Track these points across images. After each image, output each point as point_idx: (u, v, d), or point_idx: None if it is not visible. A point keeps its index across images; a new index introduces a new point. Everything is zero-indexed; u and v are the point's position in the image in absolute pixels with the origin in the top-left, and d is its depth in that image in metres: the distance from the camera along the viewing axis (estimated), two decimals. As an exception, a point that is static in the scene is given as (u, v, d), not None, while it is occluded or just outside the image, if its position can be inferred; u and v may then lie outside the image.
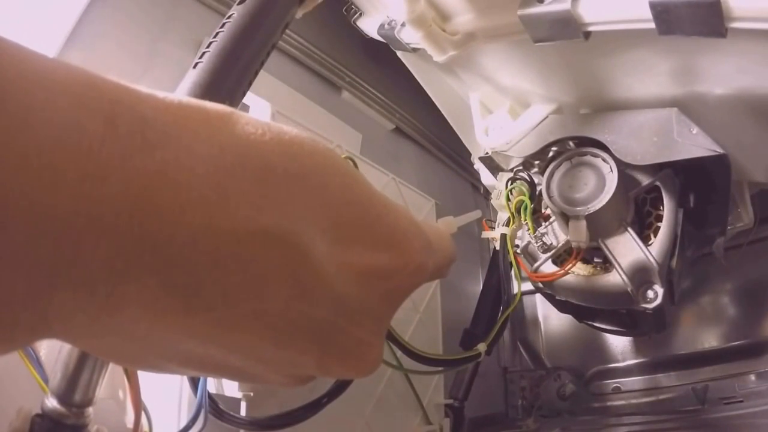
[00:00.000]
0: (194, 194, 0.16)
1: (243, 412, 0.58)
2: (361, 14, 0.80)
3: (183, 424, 0.54)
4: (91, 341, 0.18)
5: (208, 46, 0.39)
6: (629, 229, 0.64)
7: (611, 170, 0.63)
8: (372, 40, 0.77)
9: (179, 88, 0.39)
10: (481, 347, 0.57)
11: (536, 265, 0.69)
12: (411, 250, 0.23)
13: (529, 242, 0.69)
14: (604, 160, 0.64)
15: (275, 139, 0.19)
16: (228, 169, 0.17)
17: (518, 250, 0.71)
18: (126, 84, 0.17)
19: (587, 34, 0.53)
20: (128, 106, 0.16)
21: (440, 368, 0.66)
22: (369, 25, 0.77)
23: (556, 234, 0.70)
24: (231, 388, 0.59)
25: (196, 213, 0.16)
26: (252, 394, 0.58)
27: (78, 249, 0.15)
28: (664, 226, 0.64)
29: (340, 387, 0.55)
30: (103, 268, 0.15)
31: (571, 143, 0.69)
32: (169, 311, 0.17)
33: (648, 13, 0.47)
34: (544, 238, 0.68)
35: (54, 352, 0.45)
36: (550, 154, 0.70)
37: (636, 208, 0.67)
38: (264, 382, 0.23)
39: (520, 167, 0.72)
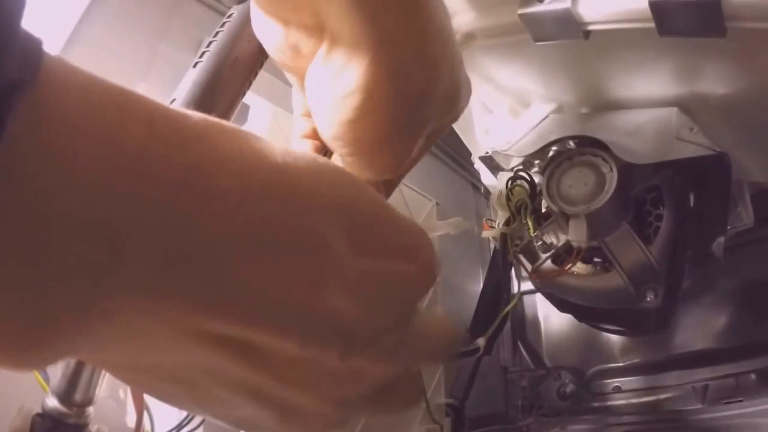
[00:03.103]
0: (224, 189, 0.18)
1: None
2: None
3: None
4: (118, 353, 0.19)
5: (208, 46, 0.39)
6: (629, 228, 0.64)
7: (611, 170, 0.63)
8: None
9: (179, 88, 0.39)
10: (480, 342, 0.57)
11: (536, 264, 0.69)
12: (425, 256, 0.24)
13: (530, 242, 0.69)
14: (604, 159, 0.64)
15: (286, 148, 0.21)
16: (251, 166, 0.19)
17: (518, 250, 0.71)
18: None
19: (587, 34, 0.53)
20: (163, 110, 0.17)
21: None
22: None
23: (556, 233, 0.70)
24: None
25: (226, 208, 0.17)
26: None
27: (122, 250, 0.16)
28: (664, 226, 0.64)
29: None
30: (144, 269, 0.16)
31: (571, 143, 0.69)
32: (198, 306, 0.17)
33: (648, 13, 0.47)
34: (544, 238, 0.68)
35: (54, 352, 0.45)
36: (551, 153, 0.70)
37: (636, 208, 0.67)
38: (300, 416, 0.22)
39: (521, 167, 0.72)
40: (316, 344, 0.20)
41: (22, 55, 0.14)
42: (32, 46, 0.14)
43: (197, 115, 0.19)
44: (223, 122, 0.19)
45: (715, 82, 0.58)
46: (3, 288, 0.14)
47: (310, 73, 0.26)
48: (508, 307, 0.62)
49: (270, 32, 0.27)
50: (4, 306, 0.14)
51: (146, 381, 0.21)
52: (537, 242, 0.68)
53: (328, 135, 0.27)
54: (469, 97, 0.30)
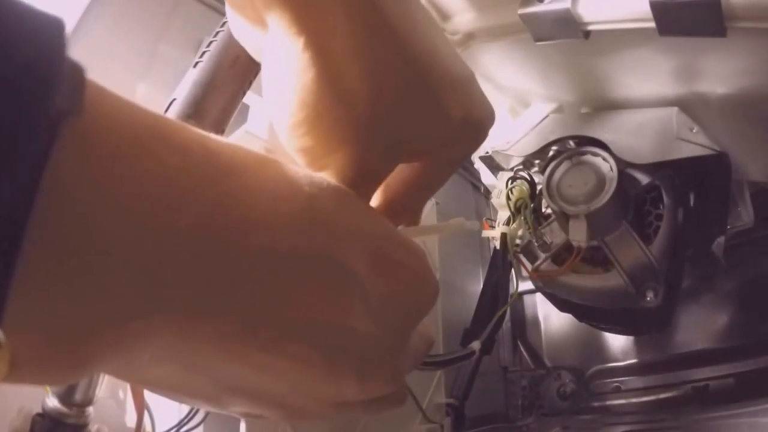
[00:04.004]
0: (258, 217, 0.18)
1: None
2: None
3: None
4: (150, 370, 0.19)
5: (208, 46, 0.39)
6: (629, 228, 0.64)
7: (611, 169, 0.63)
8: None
9: (179, 88, 0.39)
10: (475, 345, 0.57)
11: (536, 264, 0.69)
12: (431, 276, 0.25)
13: (530, 241, 0.69)
14: (604, 159, 0.64)
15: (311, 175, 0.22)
16: (282, 198, 0.19)
17: (518, 249, 0.71)
18: (186, 124, 0.18)
19: (587, 34, 0.53)
20: (199, 140, 0.18)
21: (435, 368, 0.67)
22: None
23: (556, 233, 0.70)
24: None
25: (260, 236, 0.18)
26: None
27: (160, 275, 0.16)
28: (664, 226, 0.64)
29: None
30: (180, 294, 0.17)
31: (571, 142, 0.69)
32: (231, 334, 0.18)
33: (648, 13, 0.47)
34: (544, 237, 0.68)
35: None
36: (551, 153, 0.70)
37: (636, 208, 0.67)
38: (304, 415, 0.23)
39: (521, 166, 0.72)
40: (339, 363, 0.21)
41: (70, 85, 0.14)
42: (78, 74, 0.14)
43: (232, 145, 0.19)
44: (255, 153, 0.20)
45: (715, 82, 0.58)
46: (49, 310, 0.14)
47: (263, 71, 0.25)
48: (504, 308, 0.62)
49: (243, 34, 0.27)
50: (48, 327, 0.15)
51: (166, 392, 0.22)
52: (537, 242, 0.68)
53: (280, 134, 0.25)
54: (489, 121, 0.28)
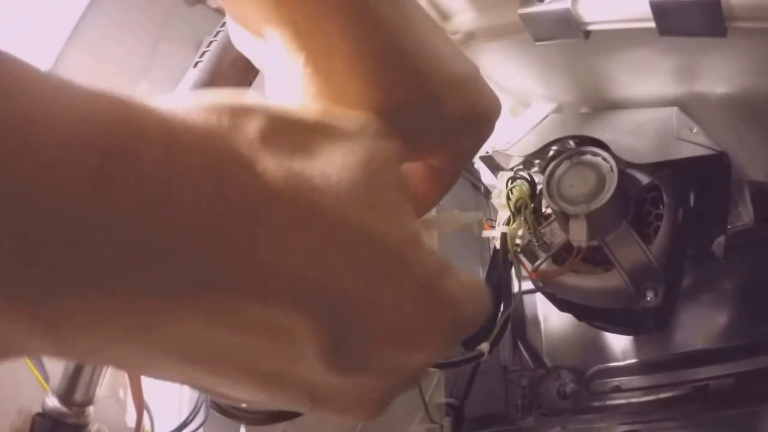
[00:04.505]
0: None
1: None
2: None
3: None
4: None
5: (208, 46, 0.39)
6: (629, 228, 0.64)
7: (611, 169, 0.63)
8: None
9: (180, 88, 0.39)
10: (484, 347, 0.57)
11: (536, 264, 0.69)
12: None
13: (530, 241, 0.69)
14: (604, 159, 0.64)
15: None
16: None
17: (518, 249, 0.71)
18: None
19: (587, 34, 0.53)
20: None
21: (442, 368, 0.66)
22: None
23: (556, 233, 0.70)
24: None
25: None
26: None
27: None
28: (664, 226, 0.64)
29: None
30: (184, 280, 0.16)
31: (571, 142, 0.69)
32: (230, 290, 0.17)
33: (648, 13, 0.47)
34: (544, 237, 0.68)
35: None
36: (551, 153, 0.70)
37: (636, 208, 0.67)
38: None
39: (521, 166, 0.72)
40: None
41: None
42: None
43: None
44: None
45: (715, 82, 0.58)
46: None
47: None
48: (509, 310, 0.62)
49: (243, 44, 0.27)
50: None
51: (158, 372, 0.20)
52: (537, 242, 0.68)
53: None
54: (495, 114, 0.27)
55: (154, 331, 0.17)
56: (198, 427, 0.57)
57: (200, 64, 0.39)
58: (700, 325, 1.00)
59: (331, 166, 0.19)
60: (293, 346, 0.18)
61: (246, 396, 0.21)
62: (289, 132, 0.19)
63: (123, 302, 0.16)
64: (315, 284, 0.18)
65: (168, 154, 0.15)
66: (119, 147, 0.15)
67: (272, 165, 0.17)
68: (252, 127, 0.18)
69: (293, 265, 0.17)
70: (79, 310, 0.15)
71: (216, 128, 0.17)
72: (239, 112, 0.18)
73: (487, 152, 0.77)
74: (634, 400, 1.02)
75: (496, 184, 0.76)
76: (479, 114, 0.27)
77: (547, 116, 0.71)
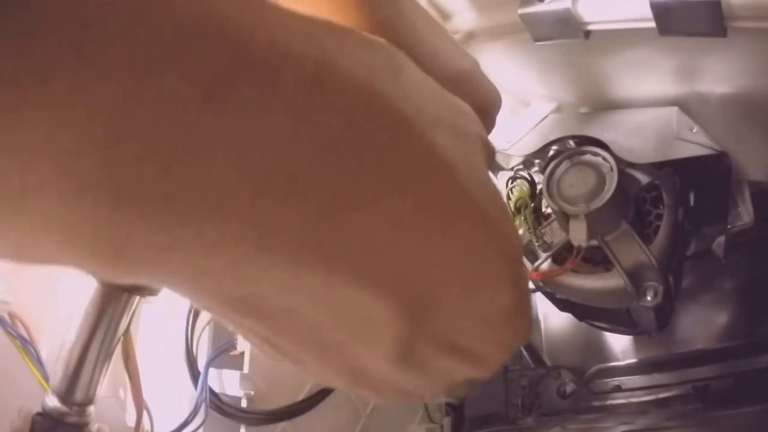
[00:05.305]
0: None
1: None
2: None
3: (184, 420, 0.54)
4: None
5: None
6: (629, 228, 0.64)
7: (611, 169, 0.63)
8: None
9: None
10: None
11: (537, 263, 0.69)
12: None
13: (530, 241, 0.69)
14: (604, 159, 0.64)
15: None
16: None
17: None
18: None
19: (587, 33, 0.53)
20: None
21: None
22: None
23: (556, 233, 0.70)
24: (232, 387, 0.59)
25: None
26: (253, 392, 0.58)
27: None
28: (664, 225, 0.64)
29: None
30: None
31: (571, 142, 0.69)
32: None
33: (648, 13, 0.47)
34: (544, 237, 0.68)
35: (55, 351, 0.45)
36: (551, 152, 0.71)
37: (636, 207, 0.67)
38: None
39: (521, 166, 0.72)
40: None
41: None
42: None
43: None
44: None
45: (715, 82, 0.58)
46: None
47: None
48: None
49: None
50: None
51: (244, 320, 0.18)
52: (537, 242, 0.68)
53: None
54: (495, 108, 0.28)
55: (242, 272, 0.15)
56: (198, 427, 0.57)
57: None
58: (700, 325, 1.00)
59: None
60: (367, 329, 0.18)
61: (287, 354, 0.20)
62: None
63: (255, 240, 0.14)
64: (417, 280, 0.17)
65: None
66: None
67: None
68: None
69: (400, 258, 0.17)
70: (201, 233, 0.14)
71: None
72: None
73: (487, 152, 0.77)
74: (634, 399, 1.02)
75: (496, 183, 0.76)
76: (479, 107, 0.27)
77: (546, 116, 0.71)
